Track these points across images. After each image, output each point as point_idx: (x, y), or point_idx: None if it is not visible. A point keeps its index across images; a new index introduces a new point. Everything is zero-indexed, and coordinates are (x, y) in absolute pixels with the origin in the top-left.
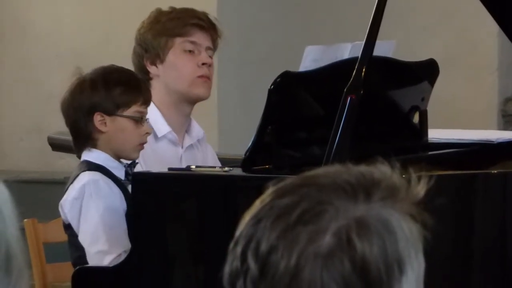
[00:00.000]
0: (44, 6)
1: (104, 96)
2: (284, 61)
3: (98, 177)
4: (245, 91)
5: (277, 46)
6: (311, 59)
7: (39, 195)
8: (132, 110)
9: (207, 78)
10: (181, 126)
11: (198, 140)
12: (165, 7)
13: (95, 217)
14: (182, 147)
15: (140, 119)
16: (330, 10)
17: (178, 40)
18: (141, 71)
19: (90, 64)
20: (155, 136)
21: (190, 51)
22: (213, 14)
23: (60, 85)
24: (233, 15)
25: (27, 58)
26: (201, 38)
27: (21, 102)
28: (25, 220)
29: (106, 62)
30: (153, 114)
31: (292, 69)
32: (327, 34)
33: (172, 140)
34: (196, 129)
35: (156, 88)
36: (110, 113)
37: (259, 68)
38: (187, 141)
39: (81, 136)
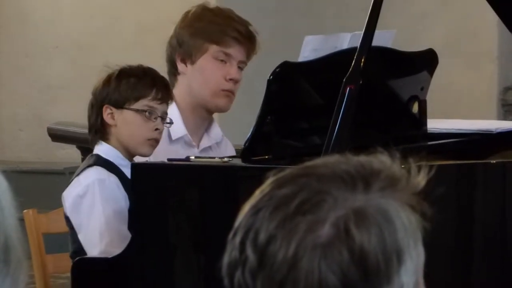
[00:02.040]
0: None
1: (114, 88)
2: (284, 50)
3: (105, 176)
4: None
5: (278, 35)
6: (310, 49)
7: (38, 186)
8: (141, 104)
9: (230, 93)
10: (198, 128)
11: (217, 143)
12: None
13: (98, 219)
14: (198, 148)
15: (149, 114)
16: (330, 0)
17: (213, 48)
18: (170, 64)
19: (89, 54)
20: (169, 138)
21: (221, 60)
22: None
23: (60, 74)
24: (234, 2)
25: (27, 48)
26: (236, 52)
27: (20, 92)
28: (25, 210)
29: (105, 52)
30: (172, 113)
31: (292, 58)
32: (328, 22)
33: (186, 142)
34: (216, 131)
35: (181, 85)
36: (117, 105)
37: (259, 57)
38: (205, 142)
39: (93, 130)
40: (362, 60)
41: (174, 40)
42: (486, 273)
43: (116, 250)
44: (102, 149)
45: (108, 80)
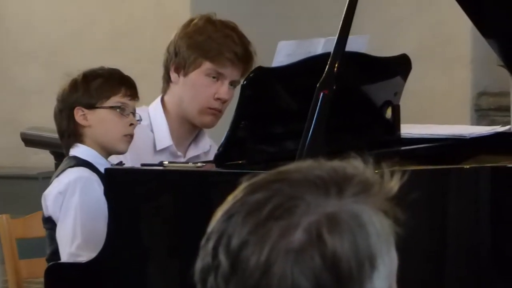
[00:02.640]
0: (17, 1)
1: (83, 91)
2: (258, 55)
3: (87, 174)
4: None
5: (252, 40)
6: (284, 54)
7: (12, 191)
8: (113, 101)
9: (217, 111)
10: (185, 138)
11: (205, 152)
12: (137, 2)
13: (74, 217)
14: (184, 157)
15: (122, 110)
16: (305, 4)
17: (207, 65)
18: (165, 70)
19: (63, 59)
20: (154, 148)
21: (213, 77)
22: (186, 8)
23: (34, 79)
24: (207, 9)
25: (0, 52)
26: (229, 72)
27: None
28: None
29: (79, 57)
30: (159, 121)
31: (266, 63)
32: (302, 28)
33: (172, 152)
34: (204, 142)
35: (172, 94)
36: (89, 106)
37: None
38: (192, 152)
39: (66, 134)
40: (336, 65)
41: (172, 48)
42: (459, 278)
43: (87, 252)
44: (79, 150)
45: (74, 85)
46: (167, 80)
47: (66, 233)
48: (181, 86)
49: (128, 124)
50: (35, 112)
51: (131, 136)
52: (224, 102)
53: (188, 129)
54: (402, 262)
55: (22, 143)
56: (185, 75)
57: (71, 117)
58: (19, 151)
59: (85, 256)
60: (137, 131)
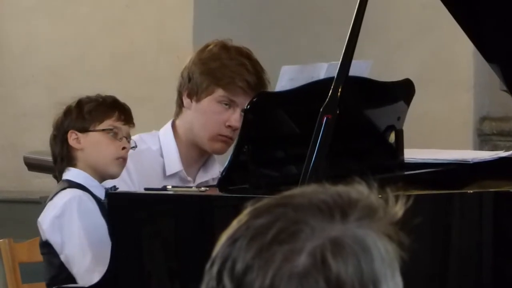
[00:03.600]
0: (19, 23)
1: (76, 115)
2: None
3: (80, 193)
4: None
5: None
6: (287, 78)
7: (14, 215)
8: (106, 124)
9: (229, 138)
10: (194, 163)
11: (213, 179)
12: (140, 24)
13: (80, 236)
14: (193, 182)
15: (114, 134)
16: (306, 30)
17: (219, 92)
18: (178, 94)
19: (64, 82)
20: (164, 174)
21: (225, 104)
22: (189, 33)
23: (36, 102)
24: (209, 33)
25: (1, 77)
26: (241, 100)
27: None
28: (1, 240)
29: (80, 80)
30: (169, 146)
31: (269, 88)
32: (303, 52)
33: (181, 177)
34: (214, 167)
35: (184, 118)
36: (82, 130)
37: None
38: (201, 177)
39: (59, 158)
40: (339, 89)
41: (185, 73)
42: None
43: (101, 266)
44: (71, 174)
45: (68, 111)
46: (179, 105)
47: (75, 252)
48: (193, 112)
49: (120, 147)
50: (36, 136)
51: (123, 159)
52: (235, 129)
53: (198, 154)
54: (405, 286)
55: (24, 167)
56: (198, 101)
57: (64, 141)
58: (21, 175)
59: (101, 268)
60: (147, 156)
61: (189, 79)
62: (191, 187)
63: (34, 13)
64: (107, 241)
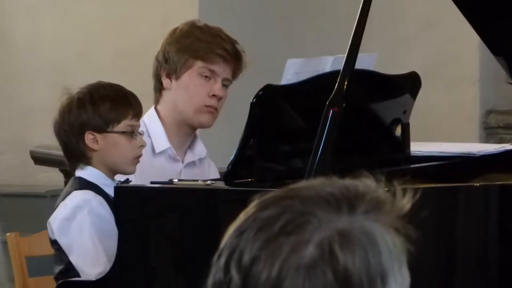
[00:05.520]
0: (25, 19)
1: (92, 114)
2: (265, 74)
3: (91, 196)
4: (227, 103)
5: (258, 59)
6: (293, 72)
7: (21, 209)
8: (123, 125)
9: (214, 109)
10: (183, 143)
11: (200, 159)
12: (145, 20)
13: (90, 238)
14: (182, 162)
15: (132, 133)
16: (311, 23)
17: (198, 64)
18: (156, 79)
19: (69, 77)
20: (153, 151)
21: (206, 76)
22: None
23: (41, 98)
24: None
25: (8, 71)
26: (221, 69)
27: (1, 115)
28: (8, 233)
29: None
30: (155, 126)
31: (274, 81)
32: (308, 46)
33: (171, 156)
34: (199, 148)
35: (165, 101)
36: (100, 130)
37: (241, 81)
38: (189, 157)
39: (74, 155)
40: (345, 83)
41: (160, 55)
42: None
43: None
44: (84, 172)
45: (81, 105)
46: (159, 89)
47: (88, 256)
48: (174, 90)
49: (138, 146)
50: (42, 130)
51: (140, 157)
52: (219, 99)
53: (185, 133)
54: (412, 279)
55: (30, 161)
56: (177, 78)
57: (80, 139)
58: (27, 169)
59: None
60: None
61: (166, 60)
62: (197, 180)
63: (39, 9)
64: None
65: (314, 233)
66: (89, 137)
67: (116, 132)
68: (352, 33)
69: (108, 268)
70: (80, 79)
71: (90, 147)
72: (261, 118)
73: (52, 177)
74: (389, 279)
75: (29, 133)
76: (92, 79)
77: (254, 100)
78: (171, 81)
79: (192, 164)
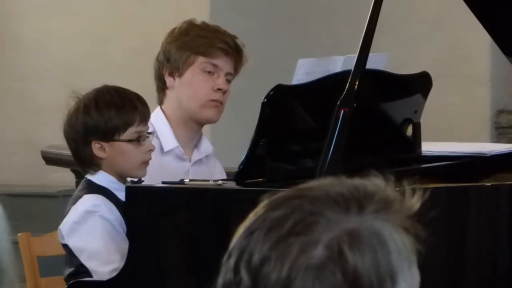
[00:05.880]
0: (35, 19)
1: (98, 123)
2: (276, 73)
3: (101, 202)
4: (238, 103)
5: (270, 58)
6: (303, 71)
7: (32, 209)
8: (130, 132)
9: (219, 103)
10: (190, 141)
11: (206, 156)
12: (156, 19)
13: (102, 239)
14: (190, 161)
15: (138, 140)
16: (323, 21)
17: (200, 59)
18: (158, 78)
19: (79, 76)
20: (161, 150)
21: (209, 72)
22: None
23: (51, 98)
24: (225, 26)
25: (18, 72)
26: (223, 63)
27: (12, 115)
28: (19, 234)
29: (95, 75)
30: (162, 126)
31: (285, 80)
32: (320, 45)
33: (178, 155)
34: (205, 145)
35: (170, 100)
36: (107, 139)
37: (252, 80)
38: (196, 155)
39: (83, 162)
40: (356, 83)
41: (161, 55)
42: None
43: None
44: (95, 177)
45: (87, 113)
46: (162, 89)
47: (102, 254)
48: (178, 88)
49: (146, 151)
50: (53, 130)
51: (149, 161)
52: (223, 93)
53: (191, 130)
54: (422, 279)
55: (42, 161)
56: (180, 76)
57: (87, 147)
58: (38, 169)
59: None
60: None
61: (167, 59)
62: (208, 180)
63: (49, 9)
64: (124, 246)
65: (323, 233)
66: (96, 146)
67: (123, 141)
68: (363, 33)
69: (122, 264)
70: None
71: (98, 156)
72: (272, 118)
73: (64, 177)
74: (398, 279)
75: (40, 133)
76: (103, 79)
77: (265, 100)
78: (174, 79)
79: (199, 162)
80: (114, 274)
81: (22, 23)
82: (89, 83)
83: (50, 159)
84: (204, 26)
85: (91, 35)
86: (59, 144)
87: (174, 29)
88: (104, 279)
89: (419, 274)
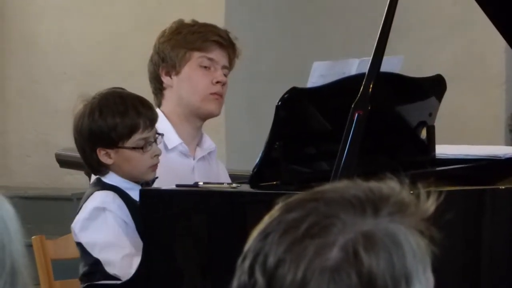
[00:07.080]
0: (51, 21)
1: (102, 130)
2: (292, 75)
3: (110, 199)
4: (253, 106)
5: (285, 60)
6: (318, 74)
7: (46, 212)
8: (134, 140)
9: (219, 96)
10: (192, 138)
11: (209, 153)
12: (171, 21)
13: (113, 231)
14: (194, 159)
15: (144, 147)
16: (338, 24)
17: (196, 55)
18: (155, 79)
19: (96, 79)
20: (166, 147)
21: (206, 67)
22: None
23: (67, 100)
24: (240, 28)
25: (34, 74)
26: (219, 56)
27: (28, 117)
28: (33, 237)
29: (112, 77)
30: (163, 125)
31: (300, 83)
32: (335, 47)
33: (183, 152)
34: (208, 142)
35: (169, 99)
36: (111, 146)
37: (267, 83)
38: (199, 153)
39: (92, 166)
40: (371, 85)
41: (155, 57)
42: None
43: (138, 250)
44: (107, 178)
45: (91, 118)
46: (160, 90)
47: (111, 243)
48: (177, 86)
49: (152, 156)
50: (68, 133)
51: (157, 164)
52: (223, 85)
53: (193, 126)
54: (436, 282)
55: (56, 164)
56: (178, 73)
57: (94, 153)
58: (53, 172)
59: (139, 254)
60: None
61: (162, 59)
62: (222, 183)
63: (67, 11)
64: (138, 240)
65: (339, 235)
66: (101, 153)
67: (127, 148)
68: (378, 35)
69: (133, 251)
70: (108, 81)
71: (104, 162)
72: (287, 121)
73: (78, 179)
74: (413, 281)
75: (55, 136)
76: (119, 81)
77: (280, 102)
78: (171, 78)
79: (203, 159)
80: (127, 260)
81: (39, 26)
82: (106, 86)
83: (64, 162)
84: (194, 23)
85: (108, 38)
86: (73, 147)
87: (165, 30)
88: (118, 283)
89: (433, 276)
